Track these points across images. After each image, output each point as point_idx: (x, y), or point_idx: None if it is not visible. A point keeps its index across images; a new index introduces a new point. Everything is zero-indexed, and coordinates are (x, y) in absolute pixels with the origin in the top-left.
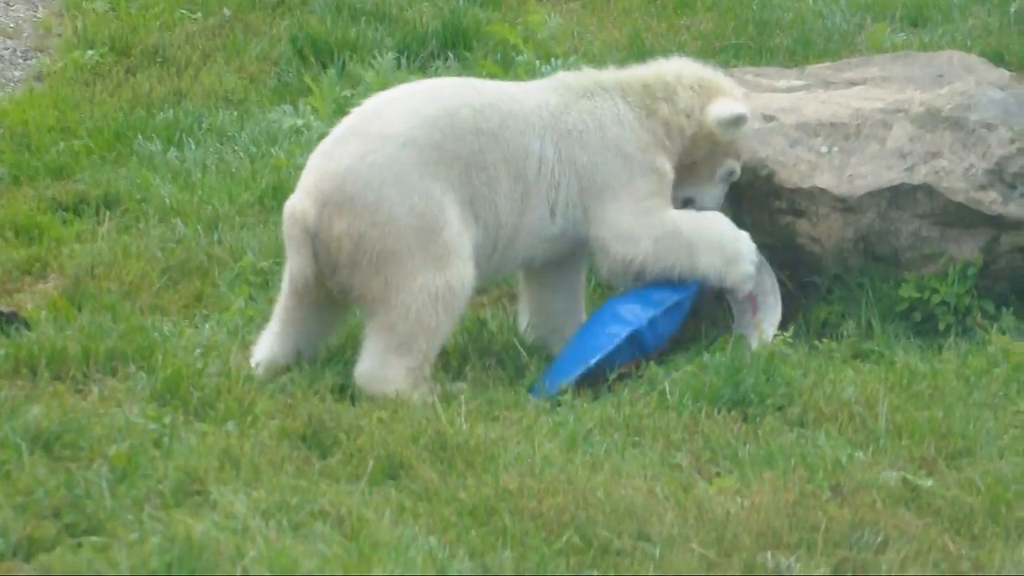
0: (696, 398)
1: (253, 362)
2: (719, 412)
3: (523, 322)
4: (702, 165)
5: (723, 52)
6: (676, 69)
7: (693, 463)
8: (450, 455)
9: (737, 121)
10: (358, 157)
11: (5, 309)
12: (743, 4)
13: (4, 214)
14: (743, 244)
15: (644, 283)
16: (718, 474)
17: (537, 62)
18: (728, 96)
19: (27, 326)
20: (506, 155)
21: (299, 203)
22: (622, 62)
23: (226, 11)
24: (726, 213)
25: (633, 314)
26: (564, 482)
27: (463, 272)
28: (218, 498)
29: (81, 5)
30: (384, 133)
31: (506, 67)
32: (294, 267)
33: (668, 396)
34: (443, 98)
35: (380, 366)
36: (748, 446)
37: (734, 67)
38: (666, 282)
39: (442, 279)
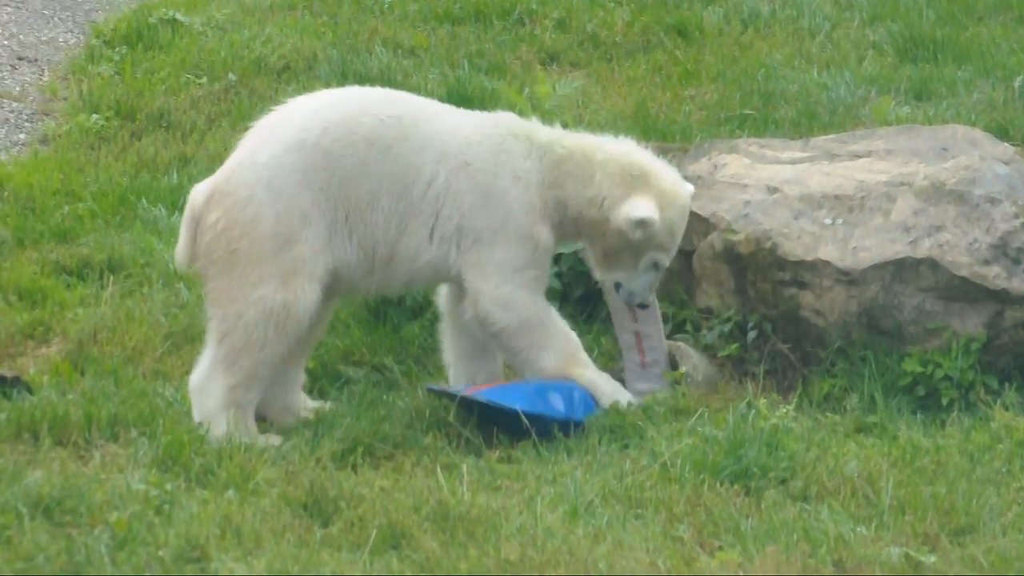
0: (698, 470)
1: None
2: (721, 485)
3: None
4: (624, 254)
5: (728, 123)
6: (609, 152)
7: (695, 536)
8: (452, 525)
9: (643, 224)
10: (249, 153)
11: (7, 373)
12: (748, 75)
13: (8, 278)
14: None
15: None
16: (720, 548)
17: None
18: (646, 196)
19: (29, 390)
20: (393, 171)
21: (198, 187)
22: (627, 131)
23: (231, 76)
24: (730, 283)
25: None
26: (566, 554)
27: (305, 293)
28: (219, 566)
29: (87, 69)
30: (279, 134)
31: None
32: (177, 248)
33: (670, 468)
34: (351, 104)
35: (207, 378)
36: (750, 520)
37: (739, 137)
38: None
39: (281, 297)
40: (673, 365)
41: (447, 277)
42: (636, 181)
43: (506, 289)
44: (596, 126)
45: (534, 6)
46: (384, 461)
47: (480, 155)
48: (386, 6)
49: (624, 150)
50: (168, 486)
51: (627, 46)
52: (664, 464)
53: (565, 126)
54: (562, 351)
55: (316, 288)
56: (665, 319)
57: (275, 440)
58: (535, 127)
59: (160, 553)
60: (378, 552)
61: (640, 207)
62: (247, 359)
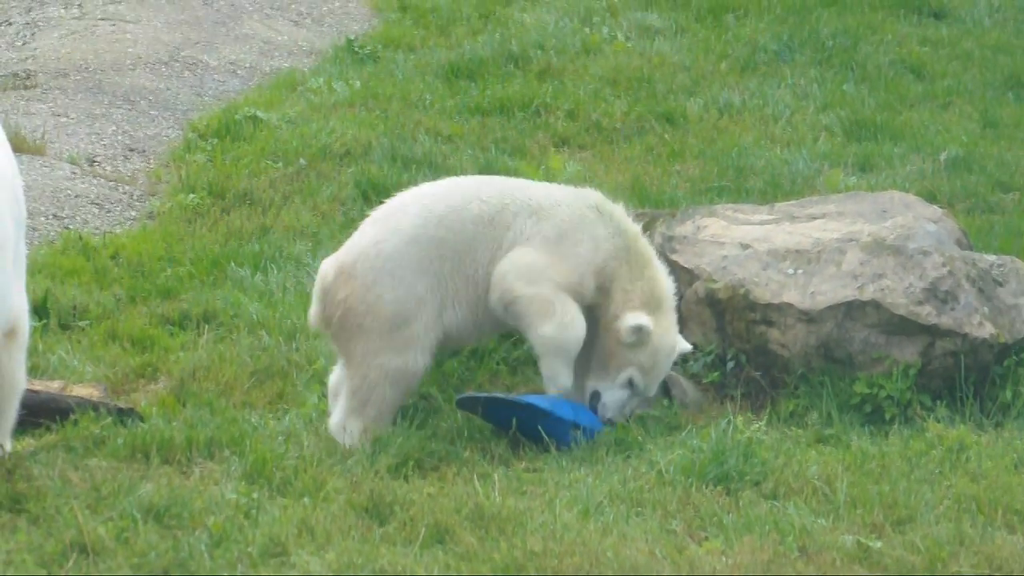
0: (688, 475)
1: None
2: (707, 487)
3: None
4: (608, 360)
5: (708, 192)
6: (655, 271)
7: (686, 529)
8: (486, 523)
9: (639, 331)
10: (373, 242)
11: (124, 405)
12: (724, 153)
13: (123, 328)
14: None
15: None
16: (706, 538)
17: None
18: (652, 317)
19: (141, 419)
20: (495, 234)
21: (326, 264)
22: (624, 201)
23: (302, 161)
24: (711, 322)
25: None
26: (580, 545)
27: (416, 361)
28: (296, 560)
29: (185, 157)
30: (399, 226)
31: None
32: (311, 312)
33: (665, 474)
34: (456, 195)
35: (342, 422)
36: (731, 515)
37: (717, 204)
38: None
39: (396, 363)
40: (665, 390)
41: None
42: (652, 304)
43: (534, 272)
44: None
45: (548, 100)
46: (431, 472)
47: (566, 212)
48: (427, 102)
49: (663, 277)
50: (255, 495)
51: (625, 131)
52: (660, 471)
53: None
54: (559, 331)
55: (427, 356)
56: None
57: None
58: (618, 208)
59: (249, 550)
60: (426, 546)
61: (643, 318)
62: (372, 408)
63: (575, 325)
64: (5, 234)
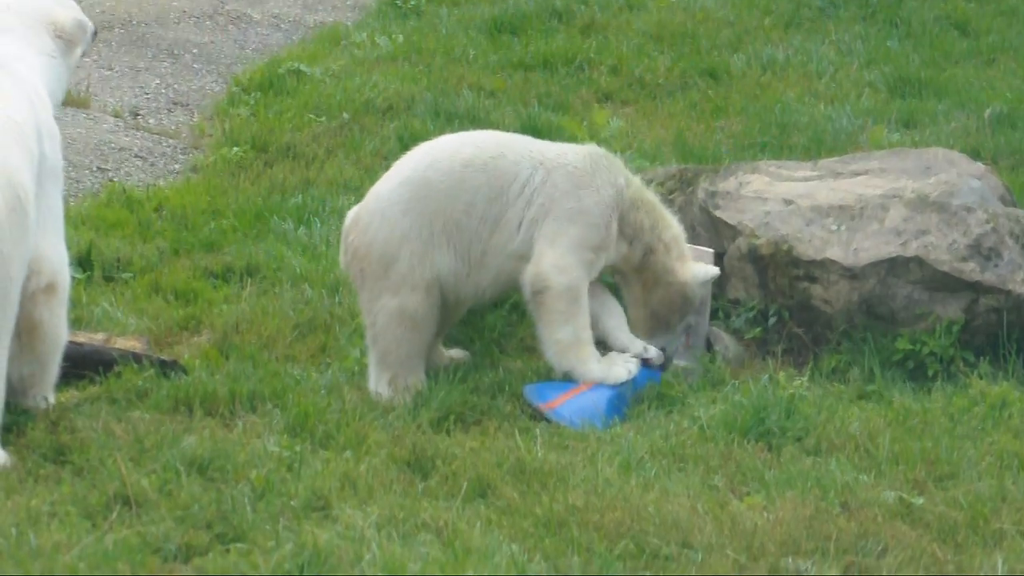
0: (729, 431)
1: None
2: (748, 443)
3: None
4: (673, 315)
5: (751, 148)
6: (670, 221)
7: (728, 484)
8: (528, 477)
9: (705, 286)
10: (376, 187)
11: (167, 358)
12: (767, 109)
13: (166, 280)
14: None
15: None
16: (748, 493)
17: None
18: (682, 262)
19: (185, 372)
20: (489, 180)
21: (350, 211)
22: (667, 157)
23: (345, 115)
24: (754, 278)
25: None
26: (621, 500)
27: (412, 298)
28: (339, 513)
29: (228, 111)
30: (398, 170)
31: None
32: (340, 260)
33: (706, 429)
34: (455, 141)
35: (375, 380)
36: (772, 471)
37: (760, 160)
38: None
39: (396, 302)
40: (708, 345)
41: (527, 262)
42: (680, 252)
43: (568, 259)
44: (643, 152)
45: (592, 55)
46: (472, 426)
47: (578, 161)
48: (471, 57)
49: (677, 224)
50: (297, 448)
51: (668, 87)
52: (702, 426)
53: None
54: (579, 332)
55: (420, 294)
56: None
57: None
58: (615, 161)
59: (292, 503)
60: (468, 500)
61: (710, 269)
62: (393, 355)
63: (588, 329)
64: (24, 187)
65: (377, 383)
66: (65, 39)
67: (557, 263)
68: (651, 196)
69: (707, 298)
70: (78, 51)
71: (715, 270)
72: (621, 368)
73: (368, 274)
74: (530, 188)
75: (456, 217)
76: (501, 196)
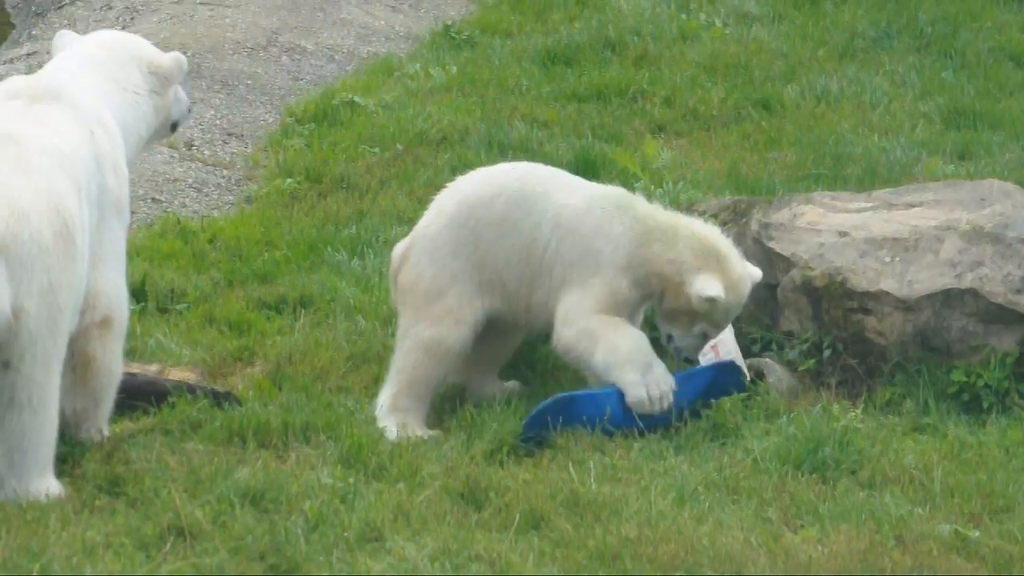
0: (783, 463)
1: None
2: (802, 475)
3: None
4: (683, 316)
5: (805, 179)
6: (693, 230)
7: (782, 517)
8: (581, 509)
9: (711, 301)
10: (424, 224)
11: (221, 389)
12: (821, 140)
13: (220, 312)
14: (640, 358)
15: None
16: (802, 526)
17: (652, 187)
18: (717, 276)
19: (238, 403)
20: (518, 243)
21: (397, 246)
22: (721, 188)
23: (399, 146)
24: (808, 310)
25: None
26: (675, 532)
27: (452, 332)
28: (392, 545)
29: (282, 142)
30: (443, 209)
31: None
32: (392, 292)
33: (760, 461)
34: (490, 187)
35: (381, 393)
36: (827, 503)
37: (814, 192)
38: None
39: (433, 332)
40: (761, 377)
41: None
42: (711, 260)
43: (570, 312)
44: (697, 184)
45: (645, 86)
46: (525, 458)
47: (585, 223)
48: (524, 88)
49: (707, 232)
50: (350, 479)
51: (721, 118)
52: (755, 458)
53: (668, 184)
54: (608, 352)
55: (464, 329)
56: (754, 341)
57: (436, 433)
58: (637, 200)
59: (345, 534)
60: (522, 532)
61: (712, 286)
62: (404, 375)
63: (619, 350)
64: (71, 215)
65: (382, 396)
66: (160, 76)
67: (563, 319)
68: (662, 218)
69: (731, 316)
70: (171, 89)
71: (717, 290)
72: (665, 381)
73: (410, 305)
74: (549, 254)
75: (499, 269)
76: (530, 259)
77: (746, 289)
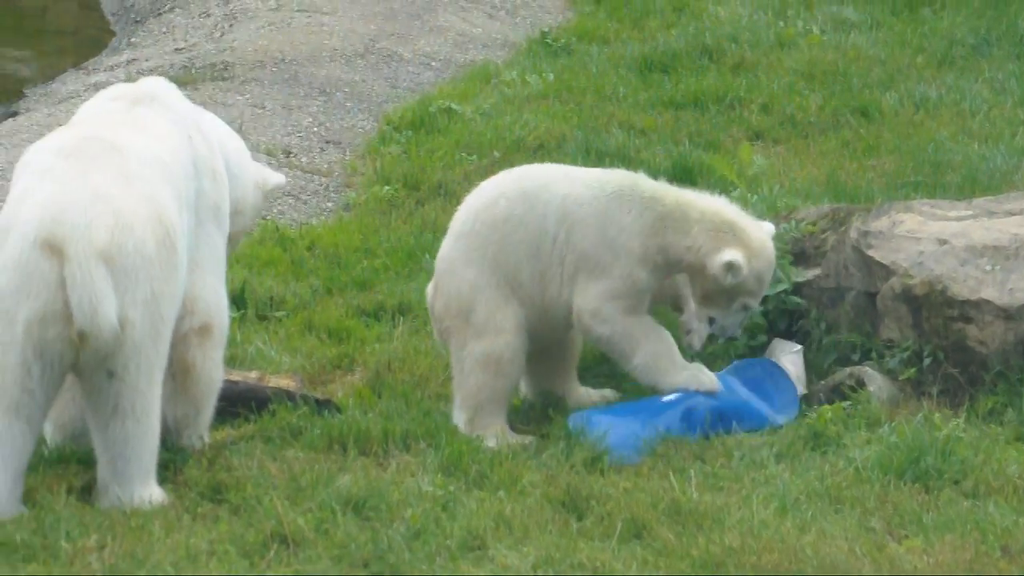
0: (886, 473)
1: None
2: (905, 485)
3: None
4: (719, 296)
5: (904, 187)
6: (703, 209)
7: (885, 527)
8: (683, 518)
9: (733, 271)
10: (442, 246)
11: (320, 397)
12: (920, 148)
13: (319, 319)
14: (679, 360)
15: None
16: (906, 536)
17: (749, 195)
18: (736, 247)
19: (338, 411)
20: (526, 238)
21: (428, 287)
22: (819, 196)
23: (496, 153)
24: (908, 318)
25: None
26: (778, 541)
27: (497, 340)
28: (494, 553)
29: (380, 150)
30: (452, 227)
31: None
32: (433, 328)
33: (862, 471)
34: (490, 190)
35: (455, 419)
36: (930, 513)
37: (913, 199)
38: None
39: (481, 346)
40: (861, 385)
41: None
42: (727, 235)
43: (603, 308)
44: (795, 191)
45: (742, 93)
46: (626, 467)
47: (593, 212)
48: (621, 95)
49: (716, 207)
50: (451, 487)
51: (819, 125)
52: (857, 467)
53: (765, 191)
54: (652, 352)
55: (508, 337)
56: (854, 349)
57: (529, 440)
58: (640, 182)
59: (447, 543)
60: (623, 541)
61: (734, 264)
62: (471, 397)
63: (660, 350)
64: (173, 225)
65: (457, 419)
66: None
67: (595, 314)
68: (672, 199)
69: (767, 281)
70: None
71: (739, 268)
72: (708, 377)
73: (453, 328)
74: (559, 245)
75: (511, 272)
76: (539, 254)
77: (769, 252)
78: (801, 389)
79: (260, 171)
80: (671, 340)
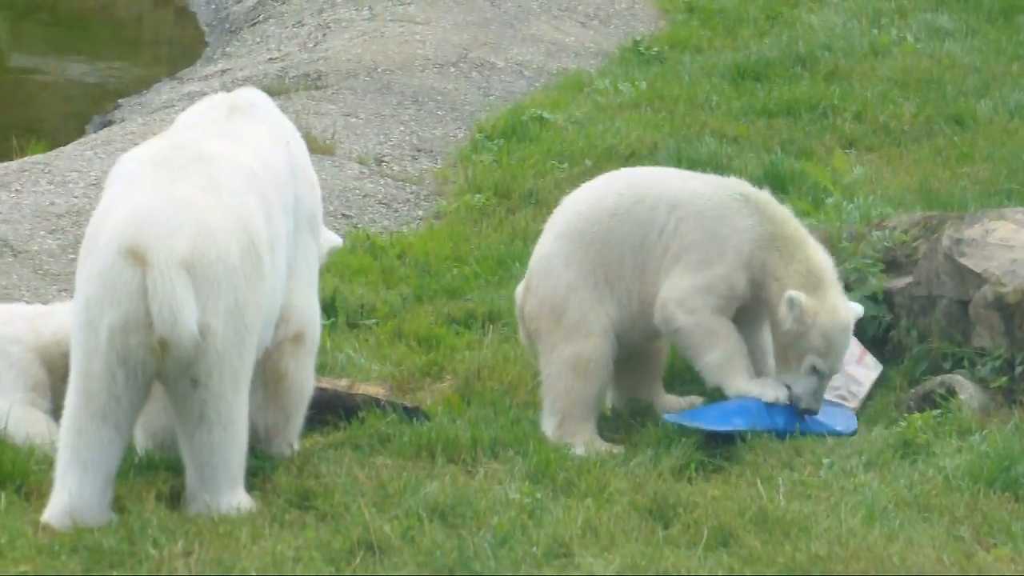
0: (975, 481)
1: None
2: (995, 493)
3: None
4: (788, 350)
5: (997, 195)
6: (807, 252)
7: (974, 535)
8: (770, 526)
9: (792, 305)
10: (538, 247)
11: (410, 404)
12: (1014, 155)
13: (409, 327)
14: (749, 367)
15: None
16: (995, 545)
17: (843, 203)
18: (812, 296)
19: (427, 418)
20: (632, 229)
21: (518, 288)
22: (912, 204)
23: (588, 162)
24: (1000, 326)
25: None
26: (865, 550)
27: (585, 346)
28: (581, 560)
29: (471, 158)
30: (552, 226)
31: (816, 207)
32: (520, 332)
33: (951, 479)
34: (597, 189)
35: (543, 426)
36: (1020, 522)
37: (1006, 206)
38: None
39: (571, 349)
40: (952, 394)
41: None
42: (811, 284)
43: (695, 300)
44: (888, 199)
45: (836, 101)
46: (713, 474)
47: (710, 206)
48: (713, 103)
49: (820, 259)
50: (538, 495)
51: (913, 133)
52: (946, 476)
53: (858, 199)
54: (728, 353)
55: (596, 340)
56: (945, 357)
57: (618, 449)
58: (765, 198)
59: (533, 550)
60: (710, 549)
61: (793, 295)
62: (560, 402)
63: (735, 352)
64: (258, 233)
65: (547, 431)
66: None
67: (683, 303)
68: (793, 230)
69: (836, 346)
70: None
71: (800, 297)
72: (772, 389)
73: (543, 330)
74: (665, 235)
75: (613, 267)
76: (644, 245)
77: (843, 318)
78: (857, 405)
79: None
80: (745, 348)
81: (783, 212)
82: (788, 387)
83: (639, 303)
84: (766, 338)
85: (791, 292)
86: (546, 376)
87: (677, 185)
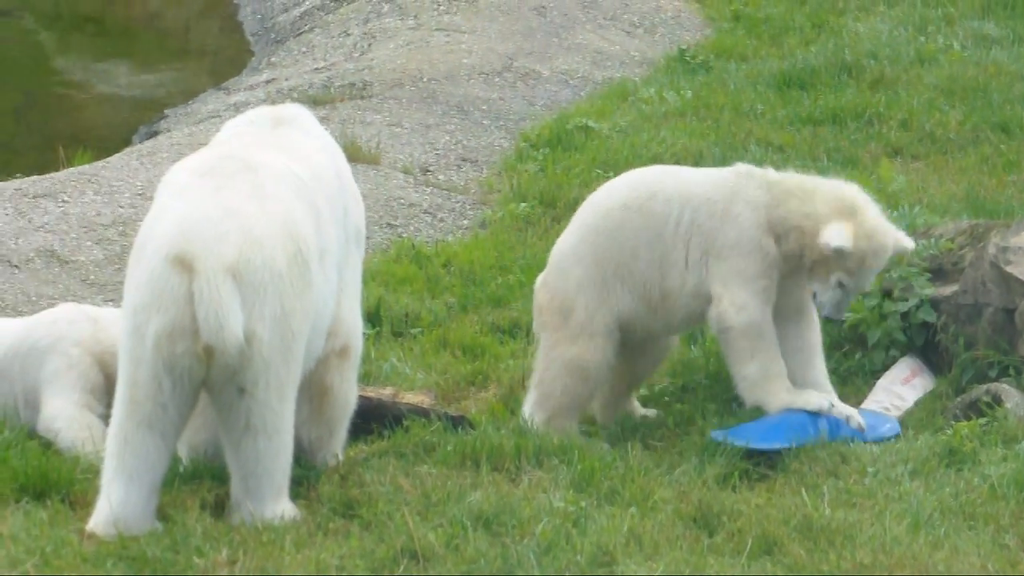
0: (1020, 489)
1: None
2: None
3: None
4: (820, 266)
5: None
6: (829, 187)
7: (1019, 544)
8: (815, 535)
9: (835, 250)
10: (558, 241)
11: (454, 413)
12: None
13: (454, 336)
14: (787, 382)
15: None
16: None
17: (889, 211)
18: (849, 222)
19: (472, 426)
20: (647, 223)
21: (538, 279)
22: (958, 211)
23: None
24: None
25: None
26: (910, 558)
27: (591, 348)
28: (625, 569)
29: (516, 167)
30: (571, 223)
31: None
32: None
33: (998, 487)
34: (612, 183)
35: (529, 415)
36: None
37: None
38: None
39: (573, 351)
40: (998, 402)
41: (709, 300)
42: (845, 210)
43: (742, 295)
44: (933, 207)
45: (881, 109)
46: (758, 483)
47: (718, 191)
48: (759, 111)
49: (846, 188)
50: (583, 503)
51: (959, 141)
52: (992, 484)
53: (904, 207)
54: (766, 367)
55: (600, 342)
56: (991, 365)
57: (604, 446)
58: (767, 170)
59: (577, 558)
60: (754, 557)
61: (838, 232)
62: (554, 400)
63: (776, 362)
64: (305, 241)
65: (532, 421)
66: None
67: (734, 302)
68: (800, 178)
69: (867, 267)
70: None
71: (840, 236)
72: (815, 397)
73: (549, 325)
74: (682, 228)
75: (625, 261)
76: (660, 239)
77: (882, 241)
78: (898, 413)
79: None
80: (783, 364)
81: (783, 174)
82: (815, 294)
83: (660, 294)
84: (815, 335)
85: (835, 241)
86: (543, 370)
87: (685, 176)
